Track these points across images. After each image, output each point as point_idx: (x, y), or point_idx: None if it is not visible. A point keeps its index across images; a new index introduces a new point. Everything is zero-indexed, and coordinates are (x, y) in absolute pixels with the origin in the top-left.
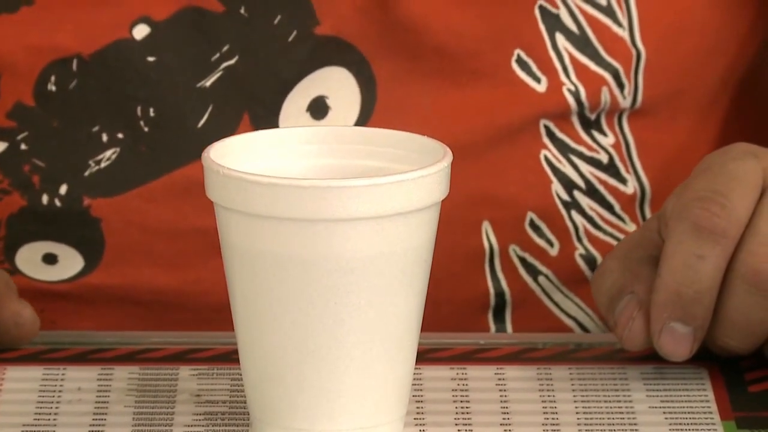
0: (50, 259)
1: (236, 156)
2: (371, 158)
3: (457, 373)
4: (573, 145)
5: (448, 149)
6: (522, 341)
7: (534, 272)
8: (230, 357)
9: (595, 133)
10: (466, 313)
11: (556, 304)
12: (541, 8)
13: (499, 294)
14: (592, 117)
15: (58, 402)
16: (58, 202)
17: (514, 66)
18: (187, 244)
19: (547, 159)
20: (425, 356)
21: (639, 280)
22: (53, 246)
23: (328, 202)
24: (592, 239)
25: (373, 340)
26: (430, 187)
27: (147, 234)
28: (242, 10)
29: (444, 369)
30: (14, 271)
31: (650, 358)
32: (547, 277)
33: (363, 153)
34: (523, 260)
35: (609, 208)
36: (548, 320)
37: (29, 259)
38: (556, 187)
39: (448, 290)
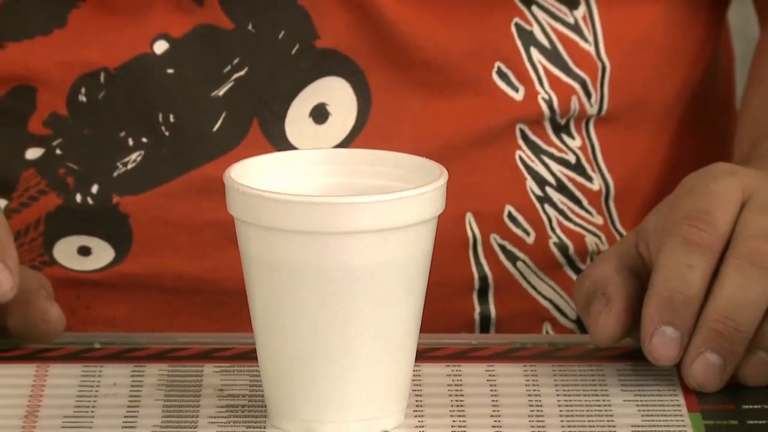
0: (84, 251)
1: (254, 176)
2: (375, 177)
3: (452, 370)
4: (544, 147)
5: (444, 169)
6: (510, 341)
7: (513, 258)
8: (250, 355)
9: (565, 137)
10: (454, 294)
11: (533, 287)
12: (517, 25)
13: (483, 277)
14: (563, 122)
15: (95, 396)
16: (90, 201)
17: (495, 77)
18: (205, 235)
19: (521, 159)
20: (423, 355)
21: (611, 283)
22: (87, 239)
23: (337, 216)
24: (564, 229)
25: (377, 341)
26: (428, 203)
27: (170, 227)
28: (250, 27)
29: (440, 366)
30: (52, 262)
31: (625, 356)
32: (524, 262)
33: (368, 173)
34: (502, 247)
35: (578, 202)
36: (526, 301)
37: (66, 251)
38: (530, 183)
39: (437, 274)
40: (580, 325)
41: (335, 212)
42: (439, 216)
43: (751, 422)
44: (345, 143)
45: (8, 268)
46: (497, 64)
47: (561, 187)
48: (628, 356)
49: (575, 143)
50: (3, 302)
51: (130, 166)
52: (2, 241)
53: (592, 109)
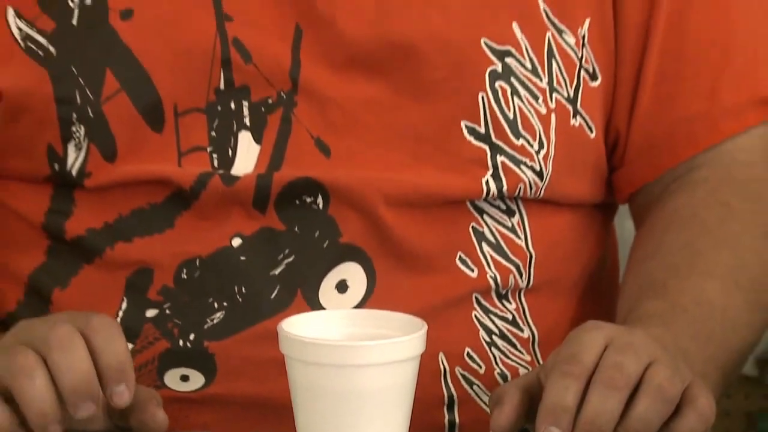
0: (184, 378)
1: (298, 327)
2: (380, 328)
3: None
4: (491, 308)
5: (425, 323)
6: None
7: (470, 383)
8: None
9: (505, 302)
10: (431, 407)
11: (484, 403)
12: (473, 228)
13: (450, 397)
14: (503, 292)
15: None
16: (189, 345)
17: (457, 263)
18: (267, 367)
19: (476, 317)
20: None
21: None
22: (186, 370)
23: (353, 355)
24: (505, 364)
25: None
26: (414, 346)
27: (243, 362)
28: (296, 229)
29: None
30: (162, 386)
31: None
32: (478, 386)
33: (375, 325)
34: (463, 376)
35: (514, 346)
36: (480, 413)
37: (172, 378)
38: (482, 333)
39: (419, 393)
40: None
41: (351, 352)
42: (421, 355)
43: None
44: (359, 306)
45: (128, 389)
46: (459, 253)
47: (502, 336)
48: None
49: (512, 306)
50: (122, 408)
51: (215, 321)
52: (127, 371)
53: (523, 284)
